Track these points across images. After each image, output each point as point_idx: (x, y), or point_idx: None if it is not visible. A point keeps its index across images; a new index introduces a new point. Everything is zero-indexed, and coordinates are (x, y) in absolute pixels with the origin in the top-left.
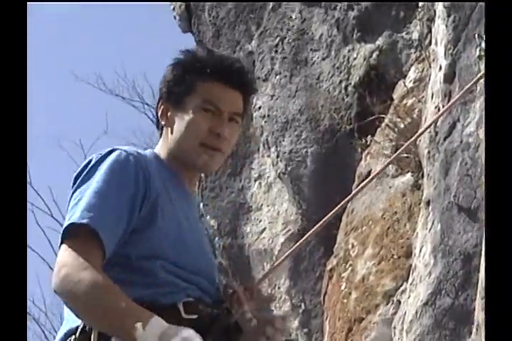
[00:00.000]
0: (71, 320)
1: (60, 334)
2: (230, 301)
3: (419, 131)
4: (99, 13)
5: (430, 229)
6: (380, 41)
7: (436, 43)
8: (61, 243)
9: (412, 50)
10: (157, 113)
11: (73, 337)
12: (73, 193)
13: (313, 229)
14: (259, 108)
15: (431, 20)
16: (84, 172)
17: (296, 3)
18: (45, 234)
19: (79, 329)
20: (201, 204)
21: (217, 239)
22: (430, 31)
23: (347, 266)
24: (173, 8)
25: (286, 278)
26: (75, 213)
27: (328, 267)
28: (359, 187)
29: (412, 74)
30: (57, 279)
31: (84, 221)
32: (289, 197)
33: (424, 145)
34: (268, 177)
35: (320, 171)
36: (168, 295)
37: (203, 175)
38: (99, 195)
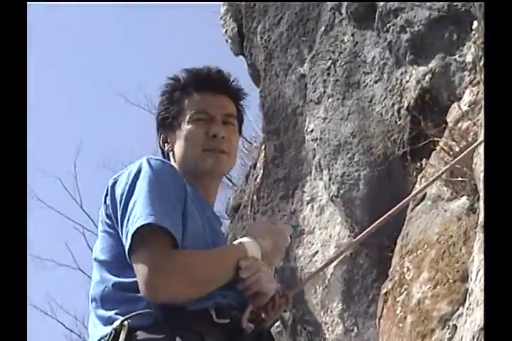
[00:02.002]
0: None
1: None
2: (265, 307)
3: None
4: (151, 38)
5: None
6: (432, 64)
7: None
8: (134, 248)
9: (466, 73)
10: (159, 144)
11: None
12: (125, 206)
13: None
14: (312, 131)
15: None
16: (129, 183)
17: (348, 26)
18: None
19: (109, 333)
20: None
21: None
22: None
23: (402, 290)
24: (226, 31)
25: (339, 302)
26: (139, 218)
27: (383, 291)
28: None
29: (466, 97)
30: (162, 287)
31: (151, 220)
32: (342, 220)
33: (480, 168)
34: (320, 200)
35: (373, 194)
36: (196, 301)
37: (255, 198)
38: (151, 199)
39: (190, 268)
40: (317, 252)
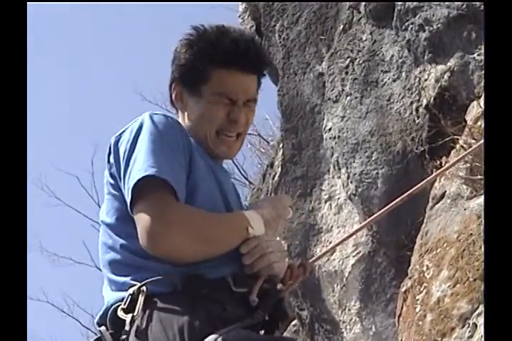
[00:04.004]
0: (112, 297)
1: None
2: (283, 278)
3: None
4: (169, 36)
5: None
6: (451, 62)
7: None
8: (135, 201)
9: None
10: (171, 94)
11: (121, 303)
12: (127, 162)
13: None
14: (330, 129)
15: None
16: (131, 140)
17: (366, 25)
18: None
19: (126, 297)
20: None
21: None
22: None
23: (422, 288)
24: None
25: (357, 300)
26: (139, 171)
27: (403, 289)
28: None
29: None
30: (158, 240)
31: (151, 172)
32: (360, 218)
33: None
34: (338, 198)
35: (391, 193)
36: (213, 269)
37: (273, 196)
38: (153, 152)
39: (192, 221)
40: (335, 251)
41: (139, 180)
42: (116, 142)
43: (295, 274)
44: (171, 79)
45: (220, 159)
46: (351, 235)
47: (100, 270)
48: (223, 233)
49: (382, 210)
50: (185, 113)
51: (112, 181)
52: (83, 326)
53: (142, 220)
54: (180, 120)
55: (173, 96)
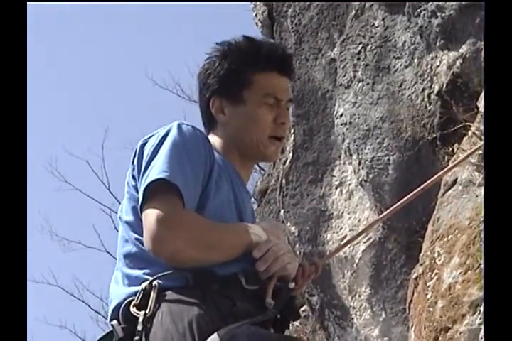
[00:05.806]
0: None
1: (115, 302)
2: (295, 277)
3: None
4: (181, 21)
5: None
6: (463, 49)
7: None
8: (144, 202)
9: None
10: (207, 108)
11: (134, 298)
12: (146, 167)
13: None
14: (341, 115)
15: None
16: (155, 145)
17: (379, 11)
18: None
19: (139, 292)
20: (282, 211)
21: (297, 245)
22: None
23: (433, 275)
24: (256, 15)
25: (367, 286)
26: (153, 175)
27: (414, 275)
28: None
29: None
30: (161, 244)
31: (163, 176)
32: (371, 204)
33: None
34: (349, 184)
35: (402, 179)
36: (225, 265)
37: (283, 181)
38: (170, 159)
39: (195, 228)
40: (346, 236)
41: (150, 183)
42: (142, 146)
43: (307, 273)
44: (207, 97)
45: (267, 160)
46: (363, 232)
47: (110, 254)
48: (226, 240)
49: (394, 206)
50: (228, 124)
51: (133, 182)
52: (93, 310)
53: (148, 222)
54: (218, 136)
55: (214, 110)
